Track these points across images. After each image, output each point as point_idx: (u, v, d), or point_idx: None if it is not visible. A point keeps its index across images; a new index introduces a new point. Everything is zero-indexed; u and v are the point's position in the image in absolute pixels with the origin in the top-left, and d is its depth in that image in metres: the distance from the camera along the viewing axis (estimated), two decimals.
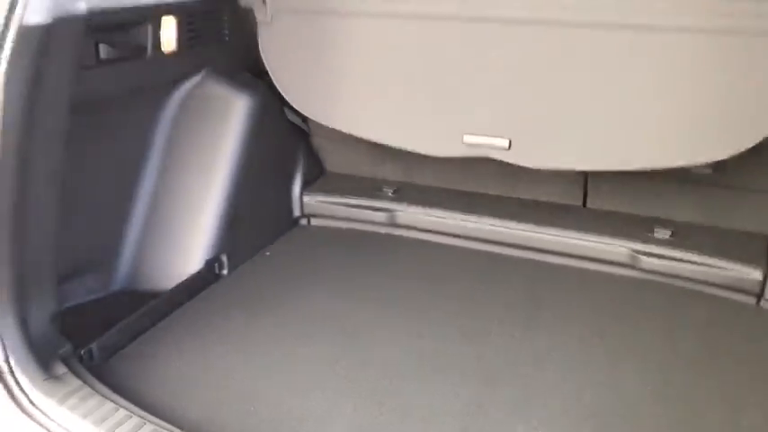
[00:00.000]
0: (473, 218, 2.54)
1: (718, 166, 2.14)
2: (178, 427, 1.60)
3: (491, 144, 2.17)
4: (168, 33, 2.20)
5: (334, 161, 2.92)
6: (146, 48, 2.13)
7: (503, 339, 2.04)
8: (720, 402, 1.77)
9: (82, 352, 1.84)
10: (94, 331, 1.93)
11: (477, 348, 2.00)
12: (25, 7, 1.49)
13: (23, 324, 1.68)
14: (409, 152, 2.39)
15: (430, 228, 2.62)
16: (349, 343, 2.02)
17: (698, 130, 1.99)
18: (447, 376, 1.87)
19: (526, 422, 1.70)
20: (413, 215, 2.65)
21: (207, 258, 2.31)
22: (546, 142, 2.14)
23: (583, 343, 2.02)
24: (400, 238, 2.68)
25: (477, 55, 2.15)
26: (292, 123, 2.69)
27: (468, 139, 2.19)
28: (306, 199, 2.79)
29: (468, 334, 2.06)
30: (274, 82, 2.39)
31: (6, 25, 1.47)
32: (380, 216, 2.69)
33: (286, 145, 2.77)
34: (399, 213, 2.66)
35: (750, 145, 1.90)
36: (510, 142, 2.14)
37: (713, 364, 1.93)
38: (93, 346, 1.89)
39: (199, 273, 2.29)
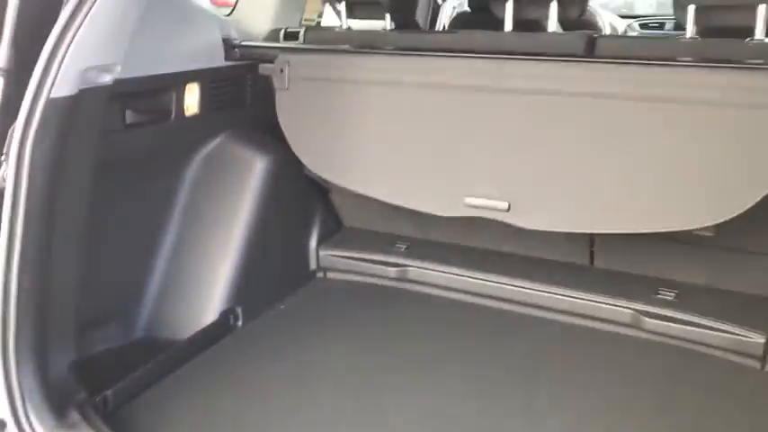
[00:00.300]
0: (482, 275, 2.61)
1: (720, 229, 2.17)
2: None
3: (490, 206, 2.25)
4: (192, 98, 2.35)
5: (352, 216, 3.02)
6: (170, 112, 2.28)
7: (504, 397, 2.08)
8: None
9: (97, 399, 1.95)
10: (111, 379, 2.04)
11: (479, 405, 2.04)
12: (53, 81, 1.63)
13: (42, 372, 1.78)
14: None
15: (439, 283, 2.69)
16: (355, 396, 2.09)
17: (692, 196, 2.04)
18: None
19: None
20: (423, 271, 2.72)
21: (222, 310, 2.42)
22: (544, 205, 2.21)
23: (582, 403, 2.05)
24: (411, 292, 2.75)
25: (478, 121, 2.25)
26: (311, 180, 2.80)
27: (469, 200, 2.28)
28: (322, 253, 2.88)
29: (470, 391, 2.11)
30: (290, 143, 2.51)
31: (35, 98, 1.61)
32: (392, 271, 2.77)
33: (304, 201, 2.88)
34: (411, 269, 2.74)
35: (741, 210, 1.94)
36: (509, 205, 2.22)
37: (713, 429, 1.94)
38: (108, 393, 1.99)
39: (213, 324, 2.39)
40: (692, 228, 2.05)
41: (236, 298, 2.47)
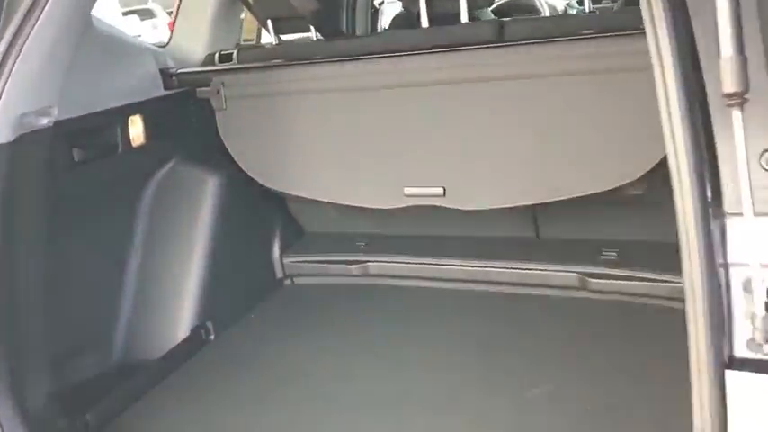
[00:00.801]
0: (437, 260, 2.73)
1: (648, 187, 2.30)
2: None
3: (428, 193, 2.38)
4: (136, 130, 2.45)
5: (312, 221, 3.14)
6: (116, 145, 2.38)
7: (462, 369, 2.21)
8: (660, 406, 1.90)
9: (77, 423, 2.05)
10: (91, 403, 2.15)
11: (442, 381, 2.16)
12: None
13: (20, 403, 1.88)
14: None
15: (400, 274, 2.81)
16: (324, 390, 2.20)
17: (610, 157, 2.16)
18: (406, 408, 2.05)
19: None
20: (384, 264, 2.84)
21: (192, 327, 2.53)
22: (474, 186, 2.34)
23: (535, 365, 2.17)
24: (374, 286, 2.87)
25: (406, 116, 2.38)
26: (268, 191, 2.91)
27: (408, 190, 2.41)
28: (286, 260, 3.00)
29: (432, 369, 2.23)
30: (236, 160, 2.63)
31: None
32: (355, 269, 2.89)
33: (263, 212, 2.99)
34: (371, 264, 2.86)
35: (653, 164, 2.07)
36: (444, 190, 2.35)
37: (659, 371, 2.06)
38: (88, 416, 2.09)
39: (185, 341, 2.49)
40: (615, 185, 2.17)
41: (206, 313, 2.58)
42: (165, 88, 2.60)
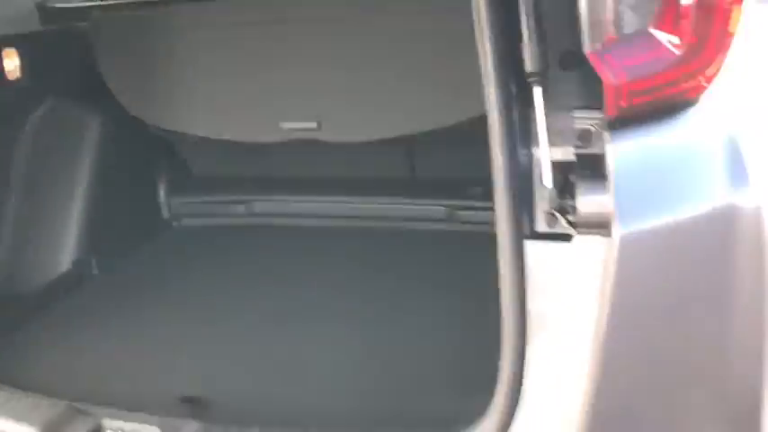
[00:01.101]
0: (317, 198, 2.86)
1: None
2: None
3: (303, 127, 2.50)
4: (11, 63, 2.43)
5: (199, 163, 3.17)
6: None
7: (336, 296, 2.35)
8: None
9: None
10: None
11: (318, 307, 2.30)
12: None
13: None
14: (263, 146, 2.69)
15: (284, 212, 2.92)
16: (207, 324, 2.28)
17: (470, 89, 2.31)
18: (288, 336, 2.17)
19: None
20: (268, 203, 2.94)
21: (73, 260, 2.56)
22: (346, 119, 2.47)
23: (403, 290, 2.34)
24: (261, 225, 2.97)
25: (282, 53, 2.48)
26: (155, 133, 2.93)
27: (285, 125, 2.52)
28: (173, 201, 3.05)
29: (307, 298, 2.36)
30: (116, 96, 2.65)
31: None
32: (241, 209, 2.98)
33: (149, 153, 3.01)
34: (257, 203, 2.96)
35: None
36: (319, 124, 2.47)
37: None
38: None
39: (66, 273, 2.53)
40: (461, 120, 2.32)
41: (89, 249, 2.60)
42: (43, 23, 2.58)
